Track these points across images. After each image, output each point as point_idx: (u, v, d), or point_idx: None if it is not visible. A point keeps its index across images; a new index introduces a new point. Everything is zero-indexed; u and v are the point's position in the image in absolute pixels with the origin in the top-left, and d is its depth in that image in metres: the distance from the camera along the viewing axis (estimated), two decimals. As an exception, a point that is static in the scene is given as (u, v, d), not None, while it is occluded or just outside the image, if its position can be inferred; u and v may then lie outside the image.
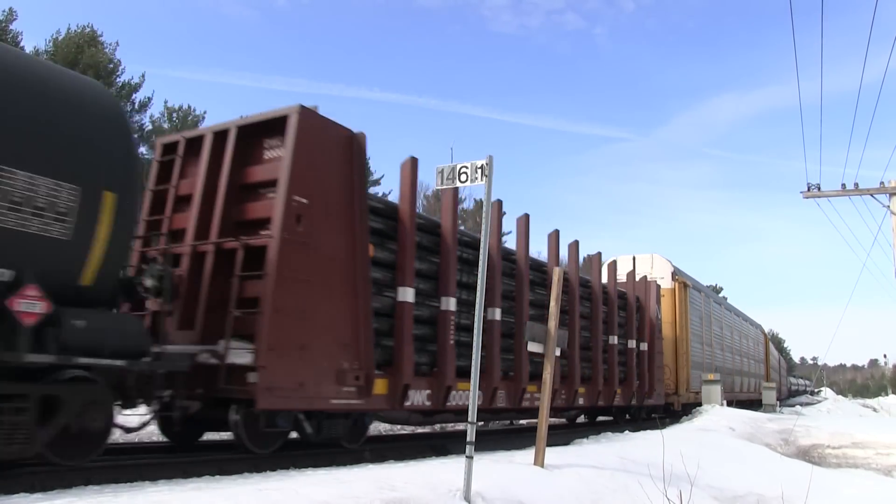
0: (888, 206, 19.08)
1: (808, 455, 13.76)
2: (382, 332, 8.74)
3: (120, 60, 28.96)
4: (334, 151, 8.19)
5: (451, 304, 9.67)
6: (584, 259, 14.52)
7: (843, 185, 19.35)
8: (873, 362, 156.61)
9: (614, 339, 15.23)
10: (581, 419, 17.51)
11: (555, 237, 12.87)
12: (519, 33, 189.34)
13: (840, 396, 67.27)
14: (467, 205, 49.03)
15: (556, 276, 7.66)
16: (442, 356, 9.56)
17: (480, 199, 42.86)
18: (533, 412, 11.03)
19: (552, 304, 7.64)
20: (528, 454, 7.47)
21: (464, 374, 9.25)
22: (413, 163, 9.34)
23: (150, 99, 30.09)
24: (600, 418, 17.25)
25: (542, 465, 7.06)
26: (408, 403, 8.93)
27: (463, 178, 6.37)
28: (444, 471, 6.17)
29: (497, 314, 10.72)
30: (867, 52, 20.96)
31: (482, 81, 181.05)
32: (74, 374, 5.77)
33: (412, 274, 9.14)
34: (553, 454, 7.61)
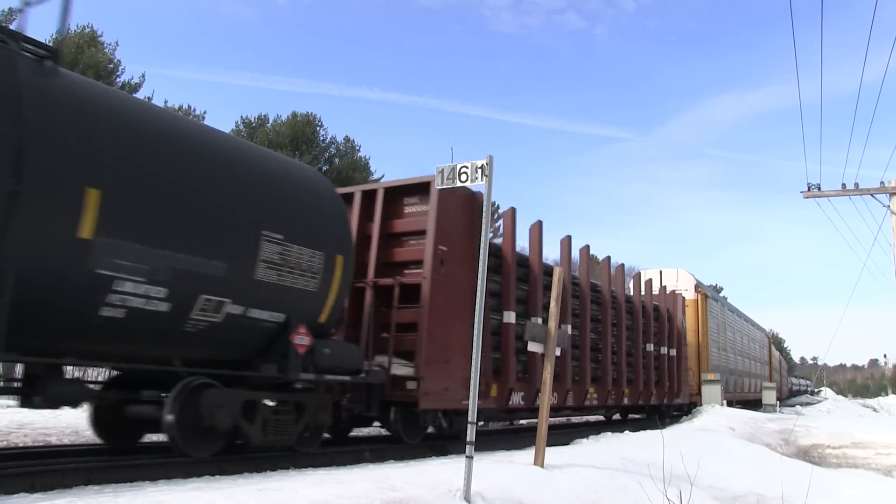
0: (888, 206, 19.08)
1: (808, 455, 13.77)
2: (492, 347, 10.90)
3: (120, 60, 28.99)
4: (461, 208, 10.34)
5: (538, 322, 11.81)
6: (616, 269, 17.08)
7: (844, 185, 19.37)
8: (873, 362, 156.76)
9: (650, 347, 17.63)
10: (616, 416, 19.24)
11: (566, 243, 13.86)
12: (519, 33, 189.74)
13: (840, 396, 67.36)
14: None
15: (557, 276, 7.66)
16: (532, 365, 11.73)
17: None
18: (592, 409, 15.46)
19: (552, 304, 7.64)
20: (528, 454, 7.47)
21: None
22: (512, 213, 11.80)
23: (150, 99, 30.11)
24: (631, 416, 19.28)
25: (542, 465, 7.06)
26: (510, 404, 11.21)
27: (463, 177, 6.37)
28: (443, 471, 6.17)
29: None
30: (867, 52, 20.95)
31: (482, 81, 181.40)
32: (308, 385, 7.98)
33: (514, 300, 11.42)
34: (553, 454, 7.62)
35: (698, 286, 22.98)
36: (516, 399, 11.36)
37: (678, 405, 19.75)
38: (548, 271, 12.59)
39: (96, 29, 28.20)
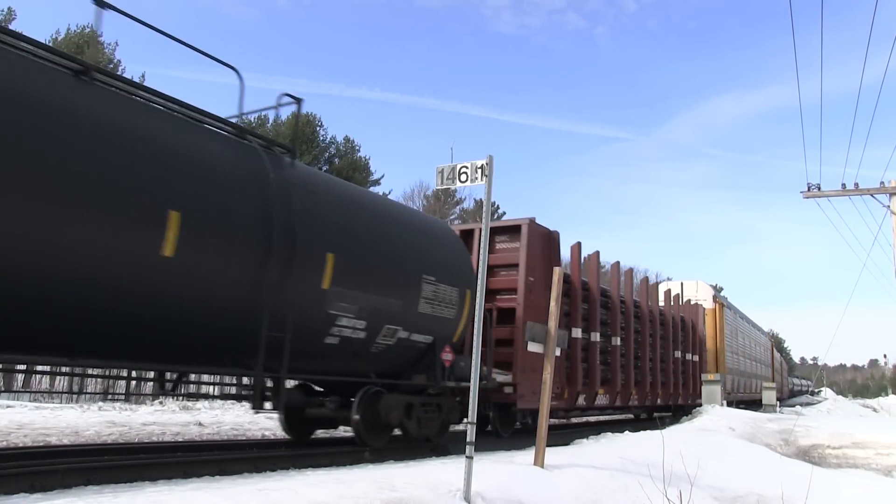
0: (888, 206, 19.09)
1: (808, 455, 13.77)
2: (564, 358, 13.30)
3: (120, 60, 29.03)
4: (543, 244, 12.59)
5: (597, 336, 14.58)
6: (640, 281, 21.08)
7: (843, 185, 19.38)
8: (873, 362, 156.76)
9: (678, 354, 20.17)
10: (643, 415, 20.72)
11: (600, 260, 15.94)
12: (519, 33, 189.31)
13: (840, 396, 67.39)
14: (468, 204, 49.08)
15: (556, 276, 7.67)
16: (592, 372, 14.29)
17: (480, 199, 42.84)
18: (633, 408, 18.16)
19: (552, 304, 7.64)
20: (528, 454, 7.47)
21: (604, 382, 14.97)
22: (578, 247, 14.19)
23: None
24: (658, 414, 20.77)
25: (542, 466, 7.06)
26: (577, 403, 14.01)
27: (463, 178, 6.38)
28: (444, 471, 6.17)
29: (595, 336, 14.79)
30: (867, 51, 20.95)
31: (482, 81, 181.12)
32: (441, 391, 9.95)
33: (579, 318, 13.87)
34: (553, 454, 7.62)
35: (716, 297, 25.62)
36: (581, 400, 14.08)
37: (699, 404, 21.76)
38: (603, 293, 15.41)
39: (96, 29, 28.19)
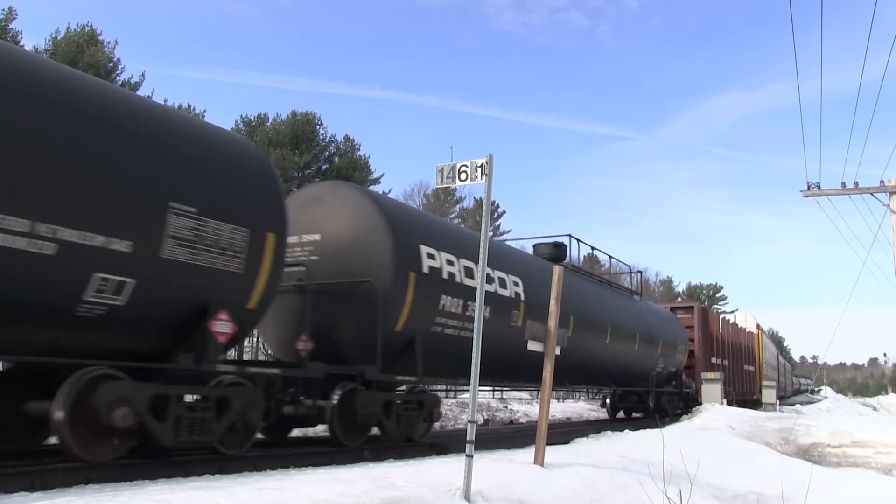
0: (888, 205, 19.08)
1: (807, 454, 13.77)
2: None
3: (119, 59, 28.94)
4: (701, 315, 23.54)
5: (727, 362, 25.19)
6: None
7: (843, 184, 19.35)
8: (873, 361, 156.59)
9: (747, 367, 29.83)
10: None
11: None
12: (521, 31, 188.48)
13: (840, 395, 67.32)
14: (467, 203, 49.03)
15: (556, 274, 7.67)
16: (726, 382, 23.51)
17: (480, 198, 42.83)
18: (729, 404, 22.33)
19: (552, 303, 7.64)
20: (528, 453, 7.47)
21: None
22: (717, 317, 25.97)
23: (150, 97, 30.10)
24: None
25: (542, 464, 7.06)
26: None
27: (463, 176, 6.37)
28: (444, 470, 6.17)
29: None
30: (867, 50, 20.94)
31: (483, 80, 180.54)
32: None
33: (721, 352, 25.11)
34: (553, 453, 7.62)
35: (758, 325, 35.10)
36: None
37: (753, 400, 29.04)
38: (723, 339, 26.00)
39: (96, 28, 28.20)
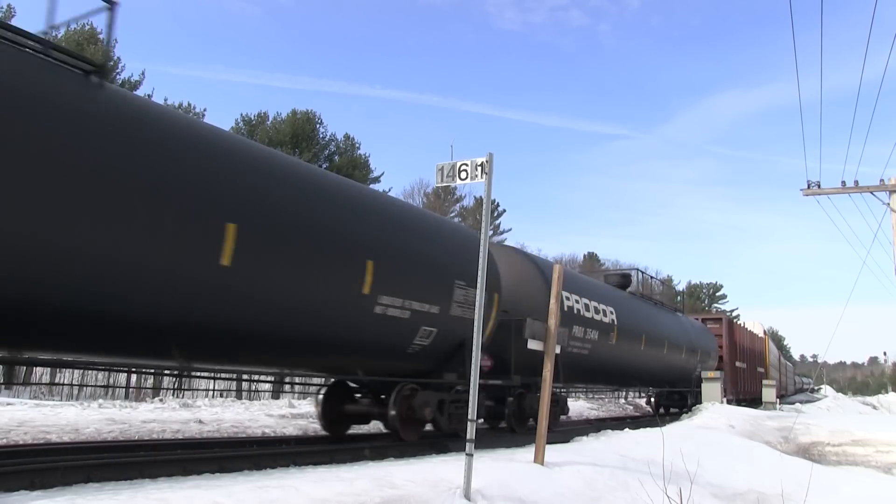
0: (888, 204, 19.08)
1: (807, 453, 13.77)
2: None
3: (119, 58, 28.94)
4: (729, 326, 27.47)
5: (744, 365, 28.45)
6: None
7: (843, 183, 19.35)
8: (873, 360, 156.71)
9: (759, 368, 33.40)
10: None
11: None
12: (522, 30, 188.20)
13: (840, 394, 67.28)
14: (467, 202, 49.02)
15: (556, 273, 7.67)
16: (738, 382, 26.24)
17: (480, 197, 42.83)
18: (739, 401, 25.91)
19: (552, 301, 7.64)
20: (528, 452, 7.47)
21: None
22: (734, 327, 29.82)
23: (150, 96, 30.07)
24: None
25: (542, 463, 7.06)
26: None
27: (463, 175, 6.37)
28: (444, 469, 6.17)
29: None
30: (867, 49, 20.93)
31: (484, 79, 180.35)
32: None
33: (741, 357, 28.35)
34: (553, 452, 7.62)
35: (765, 332, 40.83)
36: (730, 395, 24.06)
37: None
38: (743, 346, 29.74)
39: (96, 27, 28.19)
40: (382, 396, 9.63)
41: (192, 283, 6.46)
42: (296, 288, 7.47)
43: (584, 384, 15.99)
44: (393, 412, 9.20)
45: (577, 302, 13.61)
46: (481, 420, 12.76)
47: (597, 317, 14.37)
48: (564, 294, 12.59)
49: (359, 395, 10.28)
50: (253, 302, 7.03)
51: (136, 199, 5.96)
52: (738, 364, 27.96)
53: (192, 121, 8.80)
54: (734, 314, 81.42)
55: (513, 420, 12.08)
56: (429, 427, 10.11)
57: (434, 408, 9.76)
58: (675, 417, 18.07)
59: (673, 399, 23.35)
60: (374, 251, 8.52)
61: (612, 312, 15.12)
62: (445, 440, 9.93)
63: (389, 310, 8.70)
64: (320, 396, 10.30)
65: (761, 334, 38.40)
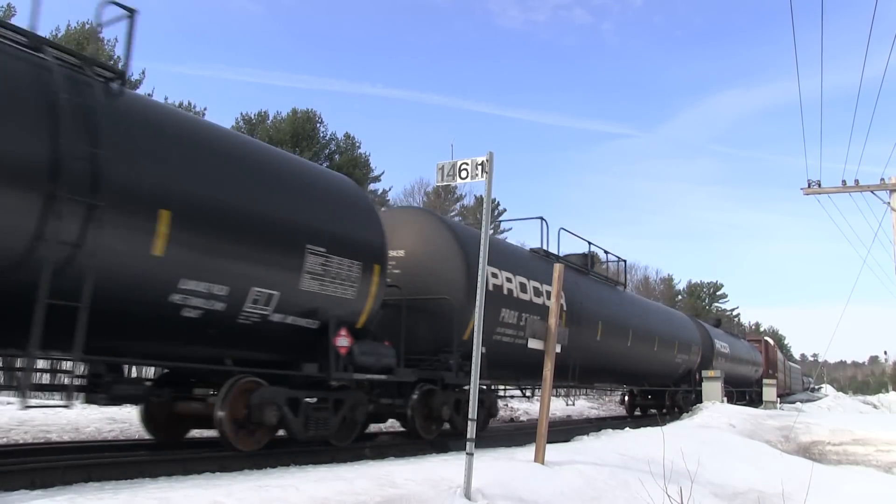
0: (888, 203, 19.06)
1: (808, 452, 13.77)
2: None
3: (119, 57, 28.91)
4: (766, 345, 40.06)
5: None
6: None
7: (844, 182, 19.32)
8: (873, 359, 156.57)
9: (780, 374, 38.69)
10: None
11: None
12: (525, 29, 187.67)
13: (840, 393, 67.24)
14: (468, 201, 48.99)
15: (557, 272, 7.66)
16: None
17: (481, 196, 42.80)
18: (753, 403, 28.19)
19: (553, 301, 7.63)
20: (528, 451, 7.47)
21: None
22: (769, 346, 39.94)
23: (150, 95, 30.05)
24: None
25: (543, 462, 7.06)
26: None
27: (463, 174, 6.37)
28: (444, 468, 6.17)
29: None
30: (867, 48, 20.93)
31: (485, 77, 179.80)
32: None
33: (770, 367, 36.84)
34: (553, 451, 7.62)
35: (774, 344, 45.93)
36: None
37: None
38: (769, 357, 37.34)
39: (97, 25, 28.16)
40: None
41: None
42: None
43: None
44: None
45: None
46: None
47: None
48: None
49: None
50: None
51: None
52: (770, 372, 36.46)
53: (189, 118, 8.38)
54: (734, 314, 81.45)
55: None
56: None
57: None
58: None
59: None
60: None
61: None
62: (446, 439, 9.93)
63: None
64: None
65: (770, 340, 47.95)
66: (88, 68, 6.36)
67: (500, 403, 23.90)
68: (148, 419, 8.35)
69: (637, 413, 22.49)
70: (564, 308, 12.55)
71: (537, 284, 12.12)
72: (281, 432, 8.06)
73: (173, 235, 6.32)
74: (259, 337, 7.54)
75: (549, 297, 11.95)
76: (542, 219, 13.73)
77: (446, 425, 10.35)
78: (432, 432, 10.07)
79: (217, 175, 7.03)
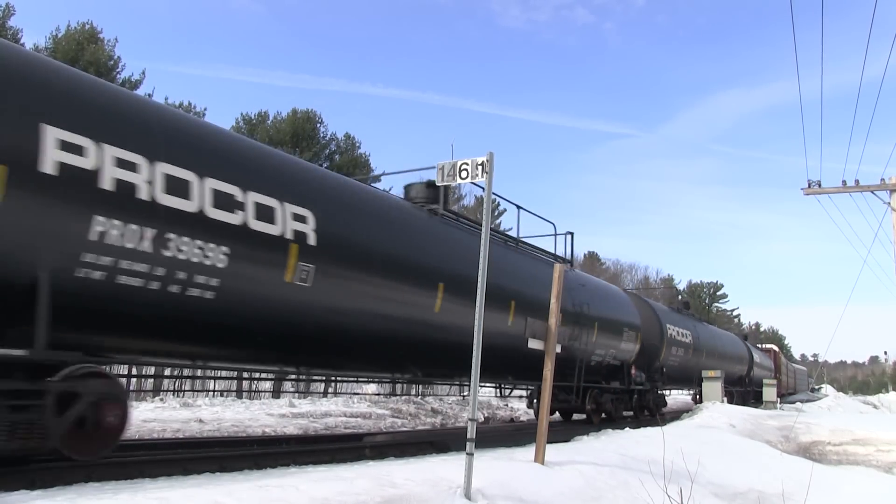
0: (888, 203, 19.07)
1: (808, 452, 13.76)
2: None
3: (120, 57, 28.87)
4: (775, 353, 46.72)
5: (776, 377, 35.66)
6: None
7: (844, 182, 19.34)
8: (874, 359, 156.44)
9: (785, 378, 42.78)
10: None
11: None
12: (526, 28, 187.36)
13: (840, 393, 67.20)
14: (468, 201, 48.98)
15: (557, 273, 7.66)
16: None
17: (481, 196, 42.79)
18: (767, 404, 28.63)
19: (553, 301, 7.63)
20: (528, 451, 7.47)
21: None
22: (777, 354, 46.48)
23: (150, 95, 30.05)
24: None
25: (543, 462, 7.06)
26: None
27: (463, 174, 6.36)
28: (444, 468, 6.17)
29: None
30: (867, 49, 20.95)
31: (486, 77, 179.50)
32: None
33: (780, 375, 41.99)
34: (553, 451, 7.62)
35: (779, 349, 51.97)
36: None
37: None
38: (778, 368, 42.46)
39: (96, 26, 28.18)
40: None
41: None
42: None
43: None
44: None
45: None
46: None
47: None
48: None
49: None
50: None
51: None
52: (777, 376, 39.52)
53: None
54: (734, 314, 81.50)
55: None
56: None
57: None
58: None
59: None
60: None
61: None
62: (446, 440, 9.93)
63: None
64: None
65: (775, 348, 52.38)
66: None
67: (500, 403, 23.90)
68: None
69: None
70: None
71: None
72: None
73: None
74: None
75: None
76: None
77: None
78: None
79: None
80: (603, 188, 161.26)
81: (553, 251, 14.57)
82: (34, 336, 5.40)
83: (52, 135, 5.54)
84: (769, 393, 28.38)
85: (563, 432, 11.63)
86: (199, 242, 6.50)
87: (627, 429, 12.50)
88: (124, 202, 5.99)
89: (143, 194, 6.12)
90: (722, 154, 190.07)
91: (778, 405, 27.73)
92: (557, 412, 17.04)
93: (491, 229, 6.92)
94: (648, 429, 11.75)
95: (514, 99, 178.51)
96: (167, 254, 6.28)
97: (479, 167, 6.26)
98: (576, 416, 17.39)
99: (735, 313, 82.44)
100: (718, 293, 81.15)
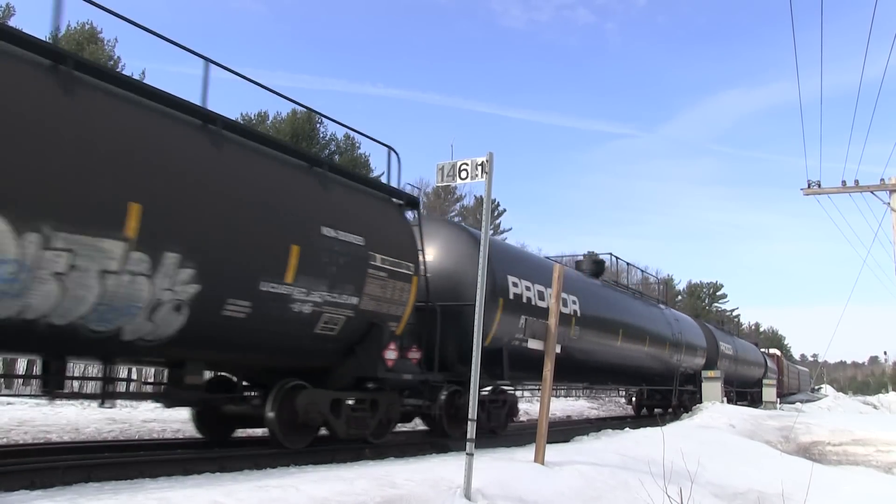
0: (888, 203, 19.06)
1: (808, 452, 13.77)
2: None
3: (120, 57, 28.91)
4: (778, 358, 46.67)
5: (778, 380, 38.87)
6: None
7: (844, 182, 19.33)
8: (873, 359, 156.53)
9: (786, 379, 46.44)
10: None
11: None
12: (527, 28, 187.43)
13: (840, 393, 67.26)
14: (468, 201, 49.00)
15: (556, 273, 7.66)
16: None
17: (481, 196, 42.81)
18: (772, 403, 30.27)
19: (552, 301, 7.63)
20: (528, 451, 7.47)
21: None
22: (781, 358, 48.28)
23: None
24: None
25: (543, 463, 7.06)
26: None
27: (463, 175, 6.37)
28: (444, 468, 6.17)
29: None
30: (867, 49, 20.93)
31: (487, 77, 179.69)
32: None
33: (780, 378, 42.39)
34: (553, 451, 7.62)
35: (781, 352, 54.15)
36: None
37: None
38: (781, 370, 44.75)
39: (96, 26, 28.18)
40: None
41: None
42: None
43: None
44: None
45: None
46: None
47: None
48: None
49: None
50: None
51: None
52: (781, 377, 42.25)
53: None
54: (734, 314, 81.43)
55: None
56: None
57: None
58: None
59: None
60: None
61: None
62: (446, 440, 9.93)
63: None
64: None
65: (777, 353, 53.37)
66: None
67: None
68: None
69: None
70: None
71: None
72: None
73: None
74: None
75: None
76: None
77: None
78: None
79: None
80: (603, 188, 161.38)
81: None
82: (503, 373, 11.07)
83: (510, 279, 11.57)
84: (768, 393, 28.42)
85: (563, 433, 11.64)
86: (542, 320, 9.39)
87: (627, 429, 12.50)
88: (528, 307, 11.81)
89: (532, 301, 11.95)
90: (722, 154, 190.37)
91: (778, 405, 27.75)
92: (645, 408, 23.39)
93: (615, 282, 12.15)
94: (648, 429, 11.75)
95: (514, 99, 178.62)
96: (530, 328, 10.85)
97: (479, 167, 6.26)
98: (656, 410, 22.11)
99: (735, 313, 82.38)
100: (718, 293, 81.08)
